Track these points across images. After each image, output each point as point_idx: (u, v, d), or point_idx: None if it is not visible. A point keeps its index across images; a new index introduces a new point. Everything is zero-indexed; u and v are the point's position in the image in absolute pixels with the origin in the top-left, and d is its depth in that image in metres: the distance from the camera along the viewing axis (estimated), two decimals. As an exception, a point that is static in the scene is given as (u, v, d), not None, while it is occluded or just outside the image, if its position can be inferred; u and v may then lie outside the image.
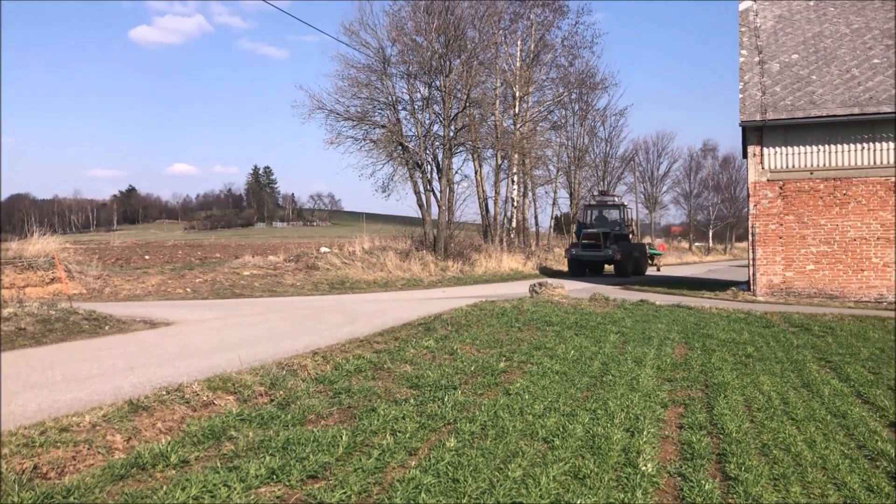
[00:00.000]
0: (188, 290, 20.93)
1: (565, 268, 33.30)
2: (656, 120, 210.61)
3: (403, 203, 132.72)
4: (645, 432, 5.65)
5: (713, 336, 11.11)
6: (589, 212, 34.00)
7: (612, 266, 30.64)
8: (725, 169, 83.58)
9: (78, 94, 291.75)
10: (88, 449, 4.54)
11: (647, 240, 50.60)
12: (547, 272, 33.38)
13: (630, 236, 33.66)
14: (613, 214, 33.35)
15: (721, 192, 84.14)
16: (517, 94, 36.24)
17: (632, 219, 36.72)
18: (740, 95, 18.90)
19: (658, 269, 36.92)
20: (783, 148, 18.40)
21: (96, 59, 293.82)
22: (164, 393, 5.77)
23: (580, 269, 30.60)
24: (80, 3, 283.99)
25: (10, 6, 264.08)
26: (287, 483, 4.22)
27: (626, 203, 35.40)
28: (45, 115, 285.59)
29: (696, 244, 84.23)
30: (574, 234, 34.37)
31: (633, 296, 17.76)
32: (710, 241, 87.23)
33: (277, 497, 4.05)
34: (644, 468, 4.80)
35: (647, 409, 6.48)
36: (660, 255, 37.63)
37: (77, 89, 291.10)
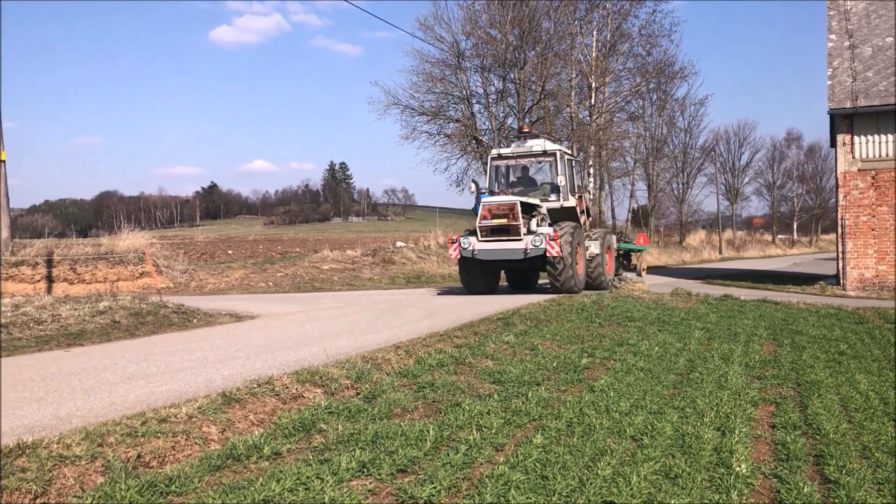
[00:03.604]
0: (270, 283, 21.45)
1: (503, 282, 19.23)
2: (737, 108, 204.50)
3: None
4: (736, 431, 5.50)
5: (803, 332, 10.74)
6: (500, 168, 18.19)
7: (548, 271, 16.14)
8: (811, 159, 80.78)
9: (161, 94, 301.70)
10: (186, 439, 4.69)
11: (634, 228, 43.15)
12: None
13: (582, 216, 18.11)
14: (548, 173, 18.35)
15: (806, 182, 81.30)
16: (593, 85, 35.75)
17: (587, 184, 20.60)
18: (829, 82, 18.19)
19: (640, 273, 22.49)
20: (875, 136, 17.63)
21: (178, 60, 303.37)
22: (255, 385, 5.91)
23: (480, 276, 16.89)
24: (163, 7, 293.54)
25: (98, 9, 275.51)
26: (378, 476, 4.27)
27: (570, 152, 19.38)
28: (130, 115, 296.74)
29: (780, 236, 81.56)
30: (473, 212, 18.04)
31: (715, 290, 17.34)
32: (795, 233, 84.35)
33: (369, 490, 4.11)
34: (738, 469, 4.67)
35: (737, 407, 6.30)
36: (639, 250, 23.72)
37: (160, 89, 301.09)
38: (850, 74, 18.05)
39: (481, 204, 16.39)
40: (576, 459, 4.72)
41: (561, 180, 16.98)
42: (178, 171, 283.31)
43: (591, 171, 37.26)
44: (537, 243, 15.33)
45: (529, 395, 6.34)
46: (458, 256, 16.42)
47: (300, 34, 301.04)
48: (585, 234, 17.49)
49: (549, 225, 16.48)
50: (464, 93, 32.01)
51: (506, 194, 17.25)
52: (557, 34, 32.75)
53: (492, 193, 17.48)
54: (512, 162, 18.11)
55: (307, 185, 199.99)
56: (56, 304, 10.85)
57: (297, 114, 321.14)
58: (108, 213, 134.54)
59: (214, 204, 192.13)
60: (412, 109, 31.42)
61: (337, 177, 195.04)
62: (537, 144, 17.88)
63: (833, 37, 19.15)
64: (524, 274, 18.67)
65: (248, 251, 35.20)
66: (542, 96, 31.37)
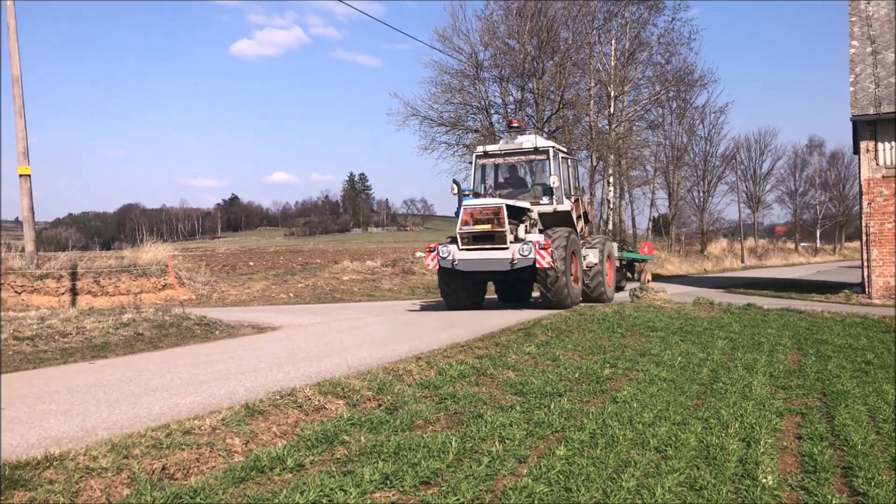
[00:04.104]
0: (291, 294, 21.54)
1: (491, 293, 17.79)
2: (758, 116, 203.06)
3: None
4: (762, 442, 5.43)
5: (828, 341, 10.62)
6: (487, 168, 16.43)
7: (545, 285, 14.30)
8: (833, 166, 79.95)
9: (183, 107, 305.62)
10: (210, 451, 4.72)
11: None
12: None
13: (580, 221, 16.57)
14: (541, 173, 16.50)
15: (829, 189, 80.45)
16: (612, 94, 35.63)
17: (584, 186, 19.40)
18: (851, 88, 18.04)
19: (645, 283, 20.56)
20: (900, 142, 17.42)
21: (200, 73, 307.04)
22: (278, 397, 5.94)
23: (463, 289, 15.24)
24: (183, 21, 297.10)
25: (119, 24, 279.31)
26: (401, 489, 4.27)
27: (565, 150, 17.60)
28: (151, 128, 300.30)
29: (803, 244, 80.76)
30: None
31: (738, 299, 17.19)
32: (818, 241, 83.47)
33: (392, 502, 4.10)
34: (764, 480, 4.61)
35: (761, 418, 6.23)
36: (643, 260, 22.47)
37: (182, 103, 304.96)
38: (873, 80, 17.88)
39: (462, 207, 14.48)
40: (599, 471, 4.68)
41: (554, 181, 15.14)
42: (199, 183, 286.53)
43: (612, 179, 37.14)
44: (525, 252, 13.69)
45: (552, 407, 6.31)
46: (437, 267, 14.77)
47: (320, 47, 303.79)
48: (583, 241, 16.05)
49: (541, 231, 14.80)
50: (482, 103, 32.12)
51: (491, 196, 15.50)
52: (576, 43, 32.74)
53: (476, 195, 15.74)
54: (499, 160, 16.18)
55: (327, 197, 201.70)
56: (80, 316, 10.97)
57: (317, 126, 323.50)
58: (131, 225, 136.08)
59: (235, 216, 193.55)
60: (431, 120, 31.54)
61: (356, 188, 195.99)
62: (528, 140, 16.05)
63: (855, 42, 18.99)
64: (514, 286, 16.89)
65: (268, 263, 35.40)
66: (561, 105, 31.36)
